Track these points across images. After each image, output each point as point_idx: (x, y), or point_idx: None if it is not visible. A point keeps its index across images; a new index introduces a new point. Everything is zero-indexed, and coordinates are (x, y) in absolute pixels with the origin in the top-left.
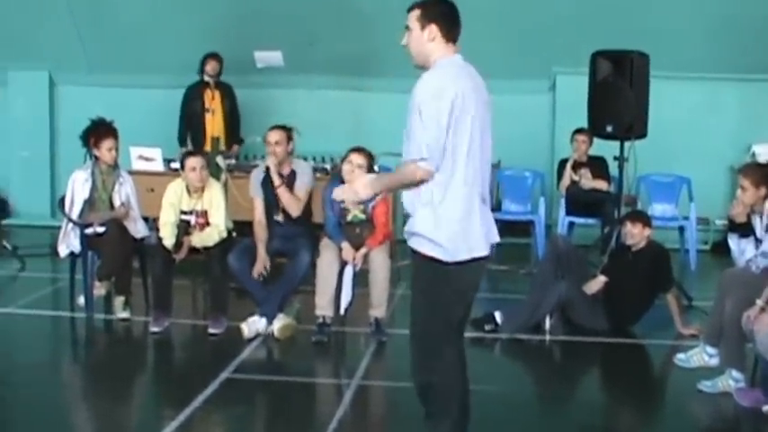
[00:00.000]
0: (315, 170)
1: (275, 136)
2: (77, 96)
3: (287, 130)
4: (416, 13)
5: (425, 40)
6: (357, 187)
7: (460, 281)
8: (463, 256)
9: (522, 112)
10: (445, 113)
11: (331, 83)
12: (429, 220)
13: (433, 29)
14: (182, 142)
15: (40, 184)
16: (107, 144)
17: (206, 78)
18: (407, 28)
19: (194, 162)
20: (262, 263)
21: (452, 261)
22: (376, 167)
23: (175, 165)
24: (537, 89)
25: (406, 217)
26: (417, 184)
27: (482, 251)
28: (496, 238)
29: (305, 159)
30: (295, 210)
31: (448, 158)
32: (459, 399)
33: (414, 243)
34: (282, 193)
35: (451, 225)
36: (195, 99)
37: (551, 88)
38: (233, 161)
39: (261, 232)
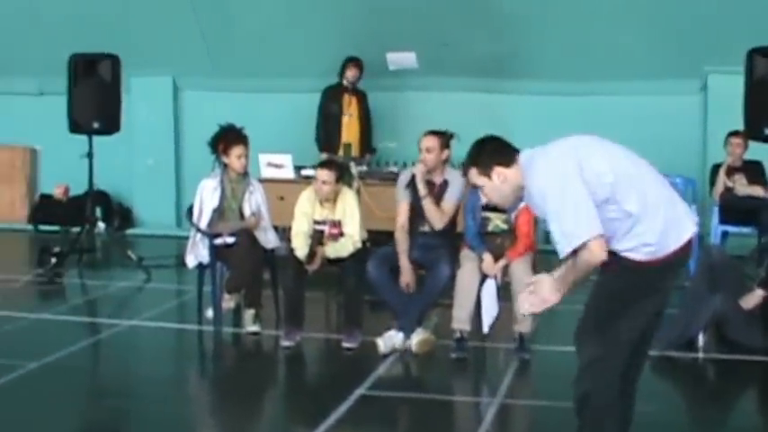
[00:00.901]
0: None
1: (427, 142)
2: (202, 102)
3: (442, 137)
4: (474, 172)
5: (500, 184)
6: (545, 296)
7: (667, 278)
8: (676, 243)
9: (671, 114)
10: (578, 189)
11: (466, 85)
12: (636, 237)
13: (499, 170)
14: (320, 145)
15: (165, 193)
16: (237, 151)
17: (345, 83)
18: (475, 186)
19: (324, 175)
20: (407, 275)
21: (661, 257)
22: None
23: (306, 172)
24: (687, 89)
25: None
26: (598, 263)
27: (691, 229)
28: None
29: None
30: (438, 223)
31: (616, 194)
32: (619, 419)
33: (622, 258)
34: (427, 204)
35: (656, 226)
36: (333, 102)
37: (703, 88)
38: (365, 168)
39: (402, 240)
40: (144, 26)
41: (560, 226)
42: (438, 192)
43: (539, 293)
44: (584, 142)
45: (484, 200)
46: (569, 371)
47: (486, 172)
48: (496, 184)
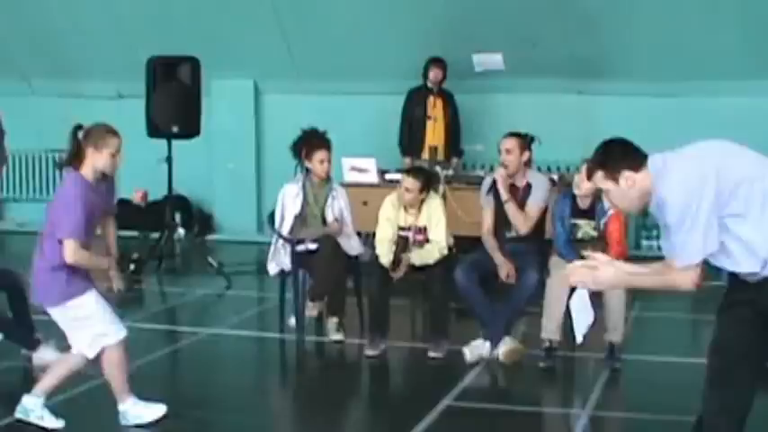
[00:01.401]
0: None
1: (507, 144)
2: (284, 105)
3: (522, 138)
4: (600, 175)
5: (627, 189)
6: (601, 281)
7: None
8: None
9: (761, 117)
10: (705, 207)
11: (555, 86)
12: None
13: (626, 174)
14: (403, 149)
15: (246, 198)
16: (319, 156)
17: (429, 84)
18: (599, 190)
19: (408, 183)
20: (505, 267)
21: None
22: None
23: (391, 176)
24: None
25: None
26: (685, 290)
27: None
28: None
29: None
30: (522, 227)
31: (751, 205)
32: None
33: None
34: (509, 208)
35: None
36: (417, 104)
37: None
38: (451, 172)
39: (490, 239)
40: (225, 28)
41: (678, 240)
42: (522, 195)
43: (596, 276)
44: (720, 150)
45: (610, 205)
46: (661, 381)
47: (614, 176)
48: (623, 188)
